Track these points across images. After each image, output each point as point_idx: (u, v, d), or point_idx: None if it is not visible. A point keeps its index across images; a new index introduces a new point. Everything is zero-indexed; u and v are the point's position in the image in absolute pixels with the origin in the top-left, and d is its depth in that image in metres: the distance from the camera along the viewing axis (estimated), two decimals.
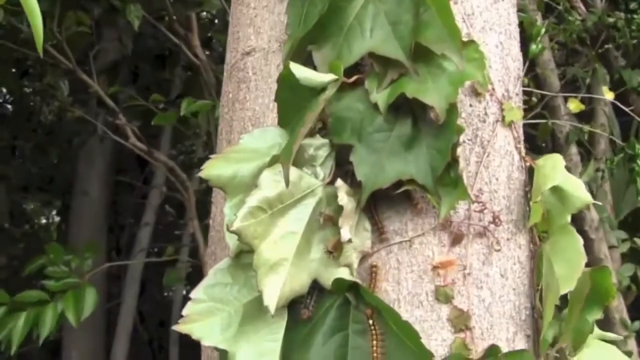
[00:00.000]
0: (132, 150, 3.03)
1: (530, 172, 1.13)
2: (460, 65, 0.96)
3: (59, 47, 2.63)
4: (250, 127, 1.18)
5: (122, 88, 3.04)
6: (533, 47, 2.64)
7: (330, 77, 0.97)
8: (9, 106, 5.58)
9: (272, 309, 0.92)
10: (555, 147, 2.99)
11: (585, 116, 3.12)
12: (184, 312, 0.97)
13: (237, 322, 0.97)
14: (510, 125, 1.11)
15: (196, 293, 0.98)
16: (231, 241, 0.99)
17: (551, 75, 2.90)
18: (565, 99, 2.87)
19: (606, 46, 2.87)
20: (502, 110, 1.10)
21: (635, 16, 2.95)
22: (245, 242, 0.93)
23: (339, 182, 0.98)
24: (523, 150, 1.13)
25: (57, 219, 6.25)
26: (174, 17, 2.88)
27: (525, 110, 2.77)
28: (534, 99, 2.62)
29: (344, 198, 0.95)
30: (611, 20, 2.89)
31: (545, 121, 2.68)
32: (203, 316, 0.97)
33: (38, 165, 5.18)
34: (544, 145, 3.32)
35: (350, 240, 0.94)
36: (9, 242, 5.40)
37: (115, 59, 3.62)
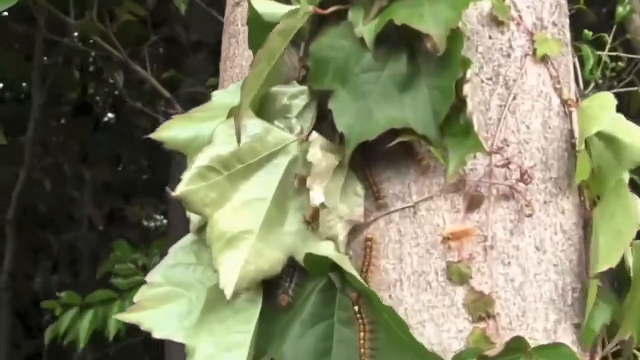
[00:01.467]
0: None
1: None
2: None
3: (108, 38, 2.56)
4: None
5: (178, 75, 2.95)
6: (620, 9, 2.33)
7: (295, 7, 0.78)
8: (111, 115, 5.70)
9: (228, 292, 0.74)
10: None
11: None
12: (136, 298, 0.81)
13: (198, 310, 0.80)
14: (544, 60, 0.88)
15: (152, 276, 0.82)
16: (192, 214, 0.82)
17: None
18: None
19: None
20: (532, 42, 0.88)
21: None
22: (194, 210, 0.76)
23: (314, 135, 0.78)
24: (566, 93, 0.90)
25: (165, 221, 6.36)
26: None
27: (612, 78, 2.47)
28: (620, 64, 2.31)
29: (317, 153, 0.75)
30: None
31: (636, 88, 2.37)
32: (157, 302, 0.80)
33: (139, 169, 5.26)
34: None
35: (324, 205, 0.75)
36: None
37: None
